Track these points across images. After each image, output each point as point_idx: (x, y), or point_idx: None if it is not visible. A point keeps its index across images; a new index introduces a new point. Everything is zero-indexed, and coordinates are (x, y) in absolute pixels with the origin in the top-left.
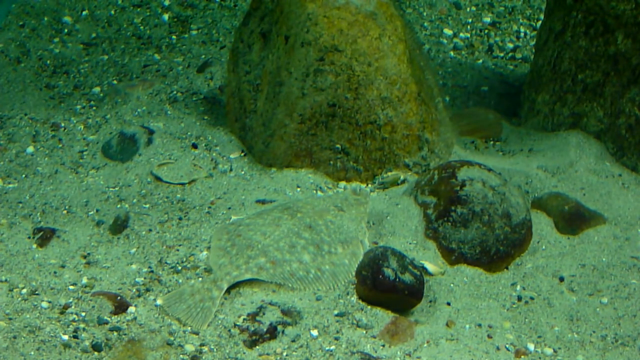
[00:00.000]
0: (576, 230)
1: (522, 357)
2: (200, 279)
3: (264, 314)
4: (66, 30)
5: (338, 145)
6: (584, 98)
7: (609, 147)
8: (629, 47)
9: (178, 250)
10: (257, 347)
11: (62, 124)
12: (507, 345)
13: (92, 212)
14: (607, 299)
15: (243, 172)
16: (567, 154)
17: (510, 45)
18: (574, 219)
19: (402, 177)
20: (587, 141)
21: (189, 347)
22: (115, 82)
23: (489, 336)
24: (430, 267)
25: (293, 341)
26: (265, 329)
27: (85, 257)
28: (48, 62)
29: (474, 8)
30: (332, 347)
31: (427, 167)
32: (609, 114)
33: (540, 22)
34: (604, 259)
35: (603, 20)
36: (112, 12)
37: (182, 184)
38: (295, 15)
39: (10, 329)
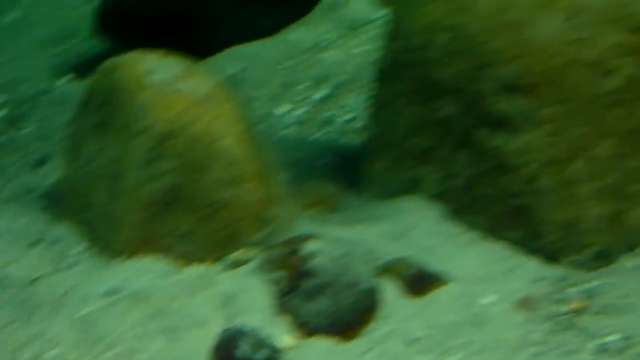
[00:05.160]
0: (423, 292)
1: None
2: None
3: None
4: None
5: (182, 230)
6: (418, 163)
7: (448, 208)
8: (454, 112)
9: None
10: None
11: None
12: None
13: None
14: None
15: (88, 265)
16: (406, 219)
17: (347, 117)
18: (419, 282)
19: (248, 256)
20: (427, 204)
21: None
22: None
23: None
24: (283, 342)
25: None
26: None
27: None
28: None
29: (307, 84)
30: None
31: (272, 243)
32: (444, 176)
33: (372, 91)
34: (451, 318)
35: (429, 87)
36: None
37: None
38: (129, 104)
39: None
